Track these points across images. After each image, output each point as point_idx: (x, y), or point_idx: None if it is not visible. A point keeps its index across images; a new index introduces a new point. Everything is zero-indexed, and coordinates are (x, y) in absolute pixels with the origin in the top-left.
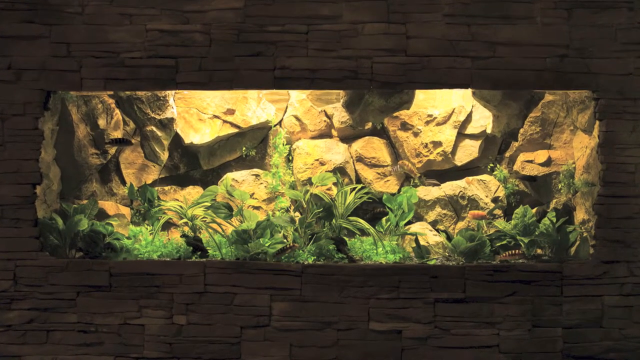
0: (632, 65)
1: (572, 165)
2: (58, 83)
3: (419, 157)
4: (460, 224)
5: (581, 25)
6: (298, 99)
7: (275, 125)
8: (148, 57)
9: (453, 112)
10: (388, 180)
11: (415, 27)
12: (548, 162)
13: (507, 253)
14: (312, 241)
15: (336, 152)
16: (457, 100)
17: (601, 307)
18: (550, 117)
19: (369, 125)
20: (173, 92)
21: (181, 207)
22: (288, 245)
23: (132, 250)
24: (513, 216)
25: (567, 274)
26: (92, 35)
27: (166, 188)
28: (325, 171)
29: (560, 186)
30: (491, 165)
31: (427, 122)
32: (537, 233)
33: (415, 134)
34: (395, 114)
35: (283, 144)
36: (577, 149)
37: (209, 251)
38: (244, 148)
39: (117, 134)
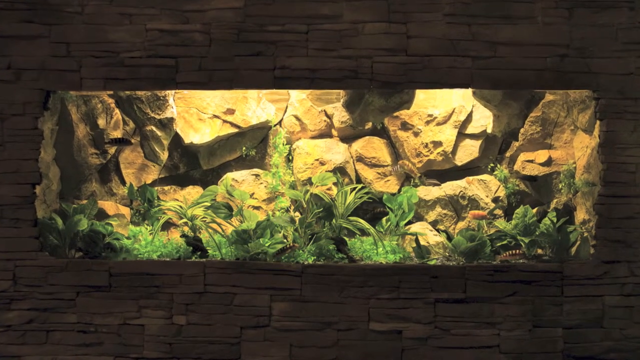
0: (633, 64)
1: (573, 165)
2: (58, 83)
3: (419, 157)
4: (461, 224)
5: (582, 24)
6: (298, 99)
7: (275, 125)
8: (148, 56)
9: (453, 111)
10: (388, 180)
11: (415, 26)
12: (548, 162)
13: (507, 253)
14: (312, 241)
15: (336, 152)
16: (458, 100)
17: (602, 307)
18: (550, 117)
19: (369, 125)
20: (173, 91)
21: (181, 207)
22: (288, 245)
23: (131, 250)
24: (513, 216)
25: (567, 274)
26: (91, 35)
27: (166, 188)
28: (326, 171)
29: (560, 186)
30: (492, 165)
31: (428, 122)
32: (537, 233)
33: (416, 134)
34: (395, 114)
35: (283, 144)
36: (577, 149)
37: (208, 251)
38: (244, 148)
39: (117, 134)
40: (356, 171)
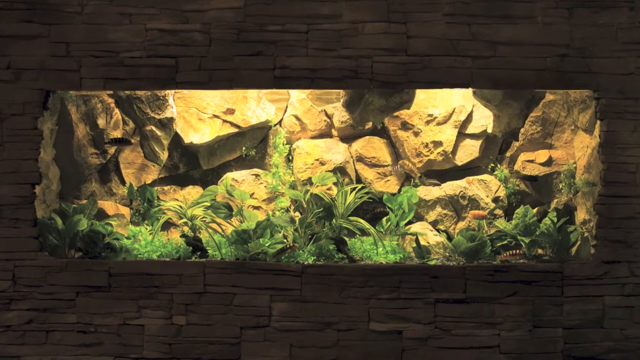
0: (633, 64)
1: (573, 165)
2: (57, 83)
3: (420, 156)
4: (461, 224)
5: (582, 24)
6: (298, 99)
7: (275, 125)
8: (148, 56)
9: (454, 111)
10: (388, 180)
11: (415, 26)
12: (549, 162)
13: (507, 253)
14: (312, 241)
15: (336, 151)
16: (458, 100)
17: (602, 308)
18: (551, 117)
19: (369, 125)
20: (173, 91)
21: (181, 207)
22: (288, 245)
23: (131, 250)
24: (514, 216)
25: (568, 274)
26: (91, 34)
27: (166, 188)
28: (326, 171)
29: (561, 186)
30: (492, 165)
31: (428, 122)
32: (537, 233)
33: (416, 134)
34: (395, 114)
35: (283, 144)
36: (578, 149)
37: (208, 251)
38: (243, 148)
39: (117, 134)
40: (356, 171)
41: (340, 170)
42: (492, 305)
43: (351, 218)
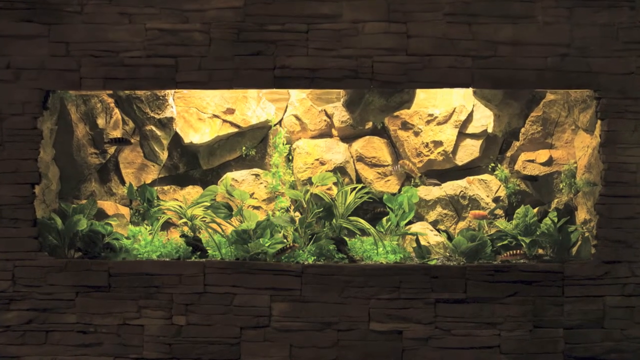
0: (634, 64)
1: (574, 164)
2: (57, 82)
3: (420, 156)
4: (461, 224)
5: (582, 24)
6: (298, 98)
7: (275, 125)
8: (147, 56)
9: (454, 111)
10: (389, 180)
11: (415, 26)
12: (549, 162)
13: (508, 253)
14: (312, 241)
15: (336, 151)
16: (458, 100)
17: (602, 308)
18: (551, 117)
19: (369, 125)
20: (172, 91)
21: (181, 207)
22: (288, 245)
23: (131, 250)
24: (514, 216)
25: (568, 274)
26: (91, 34)
27: (165, 188)
28: (326, 171)
29: (561, 186)
30: (492, 164)
31: (428, 122)
32: (538, 233)
33: (416, 134)
34: (395, 114)
35: (283, 144)
36: (578, 149)
37: (208, 251)
38: (243, 147)
39: (117, 134)
40: (356, 171)
41: (340, 170)
42: (492, 305)
43: (351, 218)
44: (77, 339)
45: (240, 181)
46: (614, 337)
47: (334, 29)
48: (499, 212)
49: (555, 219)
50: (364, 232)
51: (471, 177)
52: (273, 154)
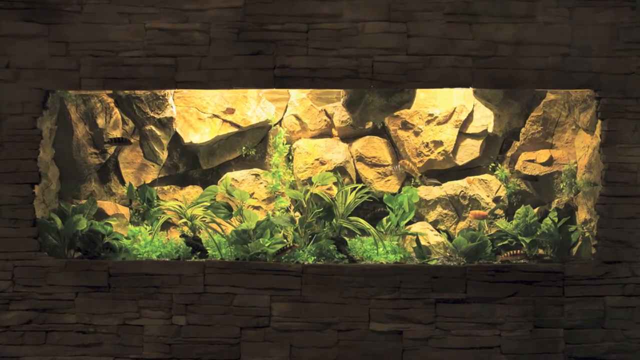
0: (635, 64)
1: (574, 164)
2: (57, 82)
3: (420, 156)
4: (462, 224)
5: (583, 23)
6: (298, 98)
7: (275, 125)
8: (147, 56)
9: (454, 111)
10: (389, 180)
11: (416, 25)
12: (550, 162)
13: (508, 253)
14: (312, 241)
15: (336, 151)
16: (458, 100)
17: (603, 308)
18: (552, 117)
19: (369, 125)
20: (172, 91)
21: (180, 206)
22: (288, 245)
23: (131, 250)
24: (514, 216)
25: (568, 274)
26: (90, 34)
27: (165, 188)
28: (326, 171)
29: (562, 186)
30: (492, 164)
31: (428, 122)
32: (538, 233)
33: (416, 134)
34: (396, 113)
35: (283, 144)
36: (579, 149)
37: (208, 251)
38: (243, 147)
39: (116, 134)
40: (356, 171)
41: (340, 170)
42: (492, 305)
43: (351, 218)
44: (76, 339)
45: (240, 181)
46: (615, 337)
47: (334, 29)
48: (499, 212)
49: (556, 219)
50: (364, 232)
51: (471, 177)
52: (273, 153)
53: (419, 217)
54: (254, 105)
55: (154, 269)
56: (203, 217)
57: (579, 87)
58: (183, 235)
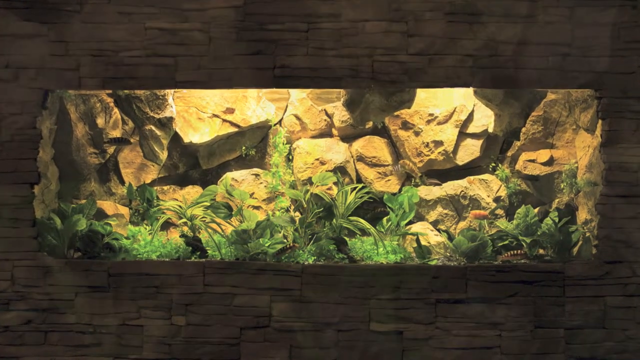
0: (635, 63)
1: (575, 164)
2: (56, 82)
3: (420, 156)
4: (462, 224)
5: (584, 23)
6: (298, 98)
7: (275, 124)
8: (147, 55)
9: (454, 111)
10: (389, 180)
11: (416, 25)
12: (550, 162)
13: (509, 253)
14: (312, 241)
15: (337, 151)
16: (459, 99)
17: (604, 308)
18: (552, 116)
19: (369, 125)
20: (172, 91)
21: (180, 206)
22: (288, 245)
23: (130, 250)
24: (515, 216)
25: (569, 274)
26: (90, 33)
27: (165, 187)
28: (326, 170)
29: (562, 186)
30: (493, 164)
31: (429, 121)
32: (539, 233)
33: (417, 133)
34: (396, 113)
35: (283, 143)
36: (579, 148)
37: (208, 251)
38: (243, 147)
39: (116, 133)
40: (357, 171)
41: (340, 169)
42: (493, 305)
43: (351, 218)
44: (76, 340)
45: (240, 181)
46: (616, 337)
47: (334, 28)
48: (500, 212)
49: (556, 219)
50: (364, 232)
51: (472, 177)
52: (273, 153)
53: (419, 217)
54: (254, 105)
55: (153, 269)
56: (203, 217)
57: (579, 86)
58: (183, 235)
